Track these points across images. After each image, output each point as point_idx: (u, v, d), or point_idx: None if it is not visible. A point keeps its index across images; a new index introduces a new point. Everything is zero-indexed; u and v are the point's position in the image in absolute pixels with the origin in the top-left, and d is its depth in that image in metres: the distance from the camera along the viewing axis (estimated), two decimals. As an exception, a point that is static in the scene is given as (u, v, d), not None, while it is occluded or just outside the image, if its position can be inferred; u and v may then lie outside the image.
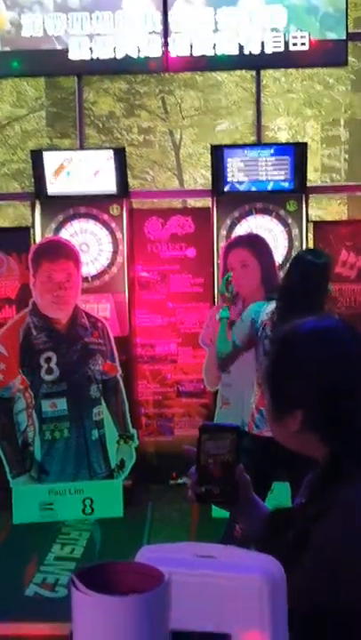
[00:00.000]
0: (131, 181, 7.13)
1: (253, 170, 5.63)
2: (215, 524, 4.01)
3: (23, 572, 4.51)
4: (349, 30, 5.71)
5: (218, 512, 1.72)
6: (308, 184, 5.92)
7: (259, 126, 6.15)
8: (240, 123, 14.89)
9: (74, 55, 5.67)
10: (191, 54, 5.65)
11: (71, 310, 5.31)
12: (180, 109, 14.56)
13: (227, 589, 1.02)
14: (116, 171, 5.61)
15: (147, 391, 5.92)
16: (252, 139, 8.33)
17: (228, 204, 5.70)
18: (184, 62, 5.74)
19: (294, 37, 5.59)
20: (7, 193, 11.68)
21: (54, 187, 5.64)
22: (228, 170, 5.63)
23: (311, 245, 5.65)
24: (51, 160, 5.64)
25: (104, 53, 5.66)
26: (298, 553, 1.37)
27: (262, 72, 6.18)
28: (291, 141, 12.84)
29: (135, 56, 5.66)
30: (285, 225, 5.68)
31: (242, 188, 5.66)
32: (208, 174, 6.49)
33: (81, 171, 5.62)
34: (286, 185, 5.64)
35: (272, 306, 3.77)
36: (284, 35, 5.60)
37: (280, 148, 5.80)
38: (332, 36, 5.59)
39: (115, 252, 5.72)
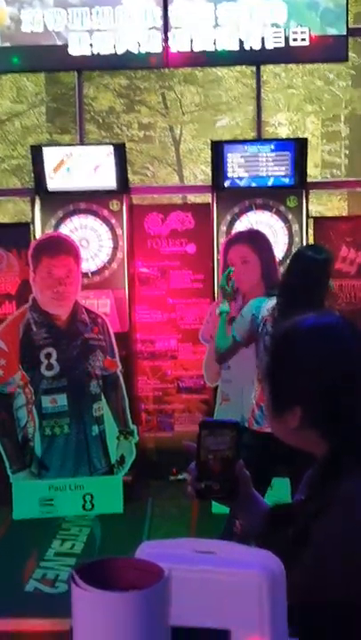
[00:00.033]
0: (131, 177, 7.13)
1: (254, 165, 5.63)
2: (215, 520, 4.01)
3: (23, 567, 4.51)
4: (350, 26, 5.70)
5: (218, 508, 1.72)
6: (309, 180, 5.91)
7: (259, 122, 6.14)
8: (240, 118, 14.87)
9: (74, 50, 5.66)
10: (191, 50, 5.64)
11: (71, 306, 5.31)
12: (181, 105, 14.54)
13: (226, 585, 1.02)
14: (116, 166, 5.61)
15: (147, 387, 5.92)
16: (253, 134, 8.32)
17: (228, 199, 5.69)
18: (184, 58, 5.73)
19: (295, 33, 5.58)
20: (7, 188, 11.67)
21: (54, 182, 5.64)
22: (229, 165, 5.62)
23: (311, 241, 5.64)
24: (51, 156, 5.63)
25: (104, 49, 5.65)
26: (298, 549, 1.37)
27: (262, 67, 6.18)
28: (291, 137, 12.82)
29: (135, 51, 5.65)
30: (286, 221, 5.67)
31: (242, 183, 5.66)
32: (208, 170, 6.48)
33: (81, 166, 5.62)
34: (287, 181, 5.63)
35: (273, 302, 3.76)
36: (285, 30, 5.59)
37: (280, 144, 5.79)
38: (332, 31, 5.58)
39: (115, 248, 5.72)
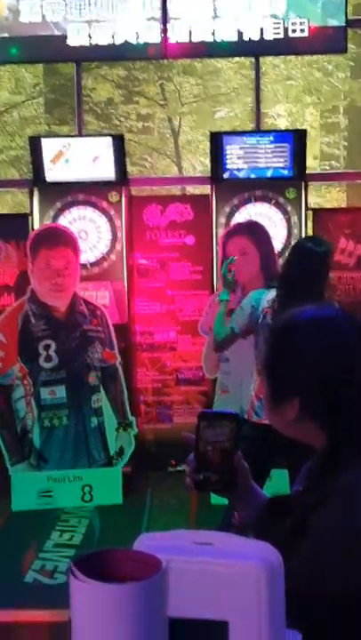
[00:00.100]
0: (129, 168, 7.10)
1: (252, 157, 5.61)
2: (214, 511, 4.02)
3: (22, 558, 4.52)
4: (349, 17, 5.69)
5: (217, 499, 1.72)
6: (308, 171, 5.90)
7: (258, 113, 6.13)
8: (239, 110, 14.85)
9: (72, 41, 5.65)
10: (190, 41, 5.63)
11: (70, 298, 5.30)
12: (179, 96, 14.51)
13: (225, 577, 1.02)
14: (114, 157, 5.59)
15: (146, 379, 5.93)
16: (252, 126, 8.30)
17: (227, 191, 5.68)
18: (183, 49, 5.72)
19: (294, 24, 5.57)
20: (5, 180, 11.64)
21: (53, 173, 5.63)
22: (228, 157, 5.61)
23: (310, 233, 5.64)
24: (49, 147, 5.62)
25: (102, 39, 5.64)
26: (296, 541, 1.37)
27: (261, 59, 6.16)
28: (290, 128, 12.79)
29: (134, 42, 5.64)
30: (285, 212, 5.66)
31: (241, 175, 5.65)
32: (207, 161, 6.48)
33: (79, 157, 5.60)
34: (286, 172, 5.62)
35: (273, 293, 3.76)
36: (284, 21, 5.58)
37: (279, 136, 5.78)
38: (331, 22, 5.56)
39: (113, 240, 5.71)
